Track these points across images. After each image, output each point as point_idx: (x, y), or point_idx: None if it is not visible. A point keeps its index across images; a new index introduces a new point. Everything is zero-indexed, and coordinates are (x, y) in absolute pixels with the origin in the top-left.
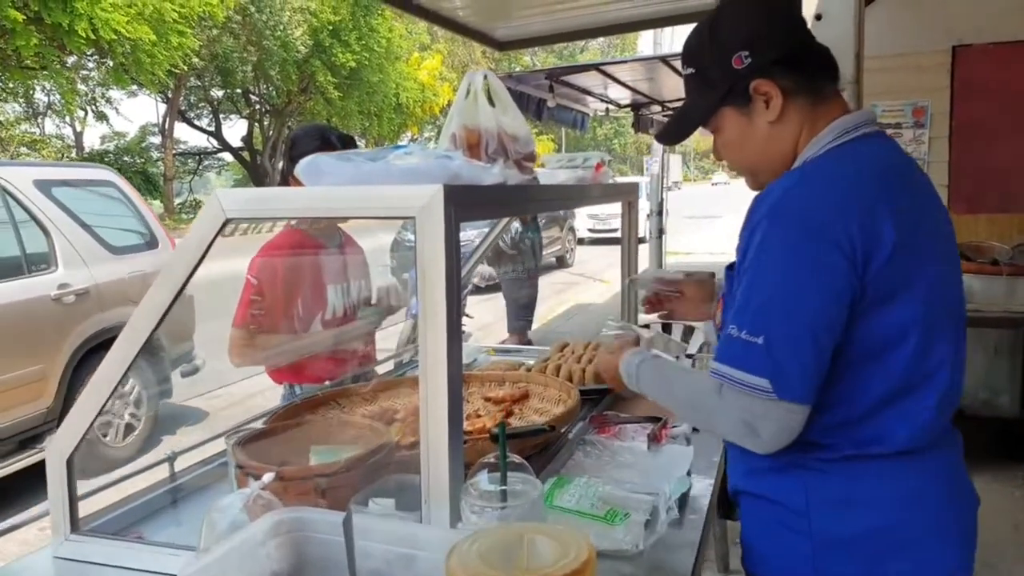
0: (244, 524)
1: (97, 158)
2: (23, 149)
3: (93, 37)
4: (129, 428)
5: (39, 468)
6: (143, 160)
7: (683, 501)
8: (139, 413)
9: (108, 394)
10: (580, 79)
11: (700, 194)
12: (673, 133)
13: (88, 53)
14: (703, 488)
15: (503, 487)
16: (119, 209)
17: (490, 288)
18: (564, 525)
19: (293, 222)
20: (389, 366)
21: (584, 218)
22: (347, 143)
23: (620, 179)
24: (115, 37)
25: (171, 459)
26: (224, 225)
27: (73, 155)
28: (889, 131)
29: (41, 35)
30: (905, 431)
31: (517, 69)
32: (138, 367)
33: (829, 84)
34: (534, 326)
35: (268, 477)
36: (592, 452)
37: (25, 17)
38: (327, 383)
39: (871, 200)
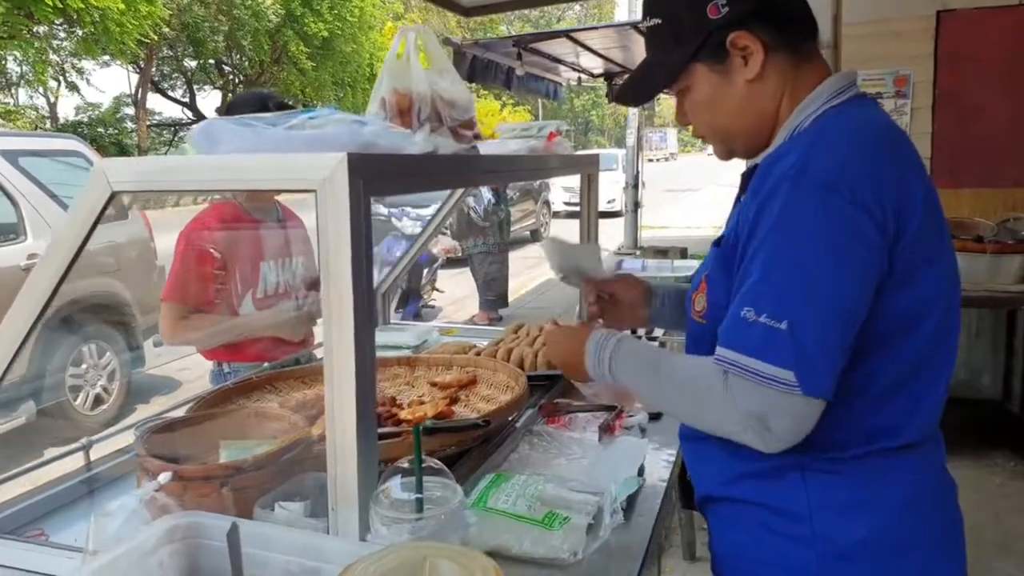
0: (136, 529)
1: (71, 129)
2: None
3: (60, 5)
4: (98, 400)
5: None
6: (117, 131)
7: (632, 501)
8: (111, 386)
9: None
10: (550, 47)
11: (695, 164)
12: (634, 93)
13: (57, 22)
14: (656, 485)
15: (418, 495)
16: (87, 179)
17: (462, 261)
18: (490, 531)
19: (228, 194)
20: None
21: (560, 191)
22: (285, 109)
23: (600, 151)
24: (83, 6)
25: (86, 447)
26: (111, 198)
27: (48, 126)
28: None
29: (8, 3)
30: (916, 420)
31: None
32: (112, 337)
33: (810, 41)
34: (509, 299)
35: (164, 477)
36: (539, 444)
37: None
38: (265, 364)
39: (901, 165)
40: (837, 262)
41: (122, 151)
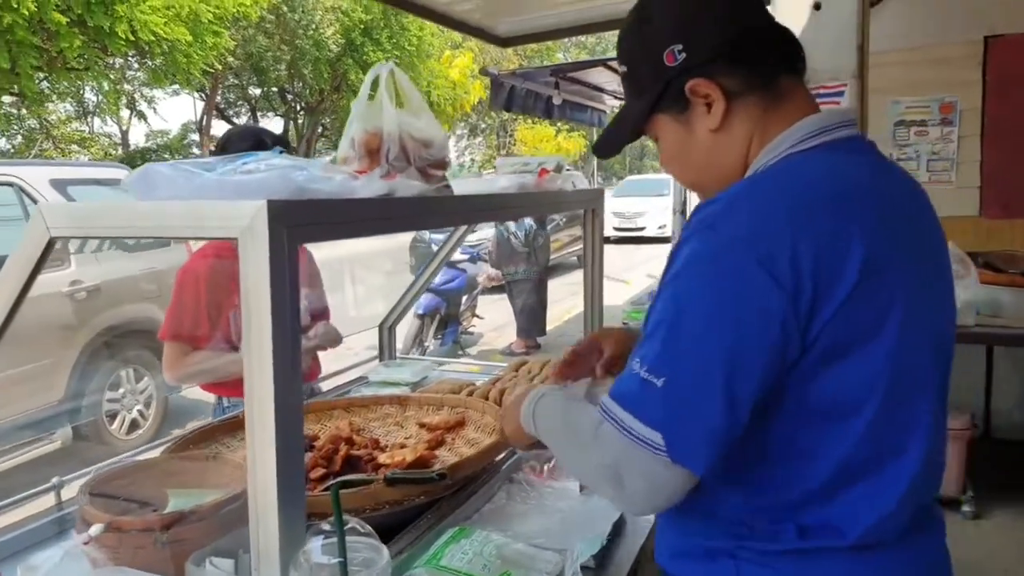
0: None
1: (139, 155)
2: (74, 147)
3: (132, 39)
4: (135, 424)
5: None
6: (182, 156)
7: (604, 559)
8: (147, 411)
9: None
10: (590, 76)
11: None
12: (606, 145)
13: (129, 54)
14: (631, 546)
15: (340, 559)
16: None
17: (503, 288)
18: None
19: None
20: (350, 376)
21: (610, 216)
22: (281, 144)
23: (653, 176)
24: (153, 38)
25: (57, 487)
26: (50, 245)
27: (119, 152)
28: (914, 129)
29: (84, 37)
30: (866, 520)
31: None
32: (150, 362)
33: (788, 77)
34: (548, 327)
35: (96, 529)
36: (517, 494)
37: (68, 20)
38: None
39: (831, 222)
40: (727, 323)
41: None
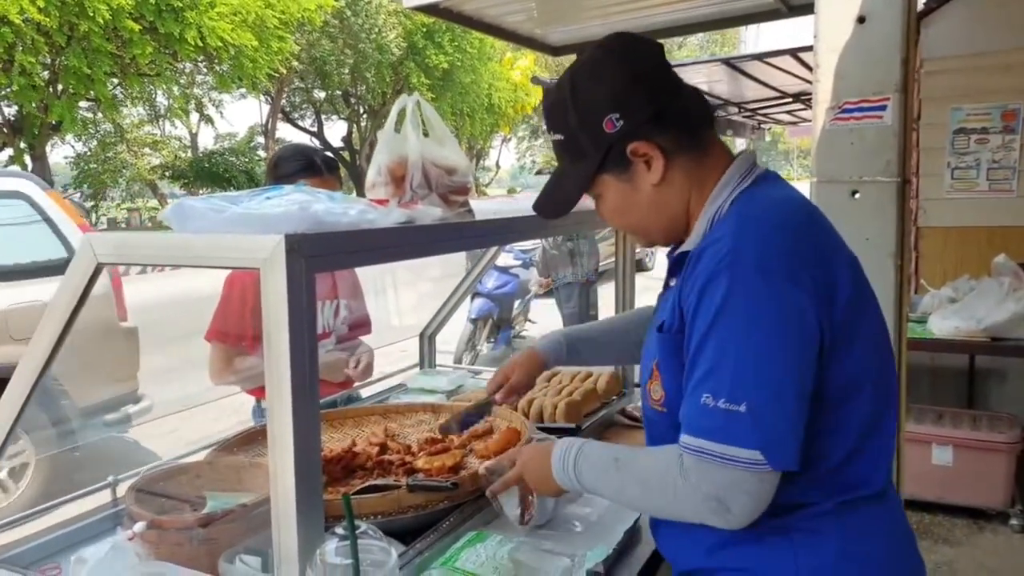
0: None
1: (207, 157)
2: (146, 149)
3: (201, 44)
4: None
5: None
6: (248, 160)
7: (611, 567)
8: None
9: (7, 431)
10: None
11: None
12: (550, 207)
13: (198, 60)
14: (641, 553)
15: (352, 560)
16: (30, 226)
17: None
18: None
19: None
20: (390, 383)
21: None
22: (330, 165)
23: None
24: (221, 44)
25: (113, 484)
26: (97, 270)
27: (188, 155)
28: (975, 137)
29: (155, 44)
30: (882, 469)
31: None
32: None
33: (709, 131)
34: None
35: (139, 526)
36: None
37: (141, 27)
38: None
39: (818, 240)
40: (784, 342)
41: (251, 179)
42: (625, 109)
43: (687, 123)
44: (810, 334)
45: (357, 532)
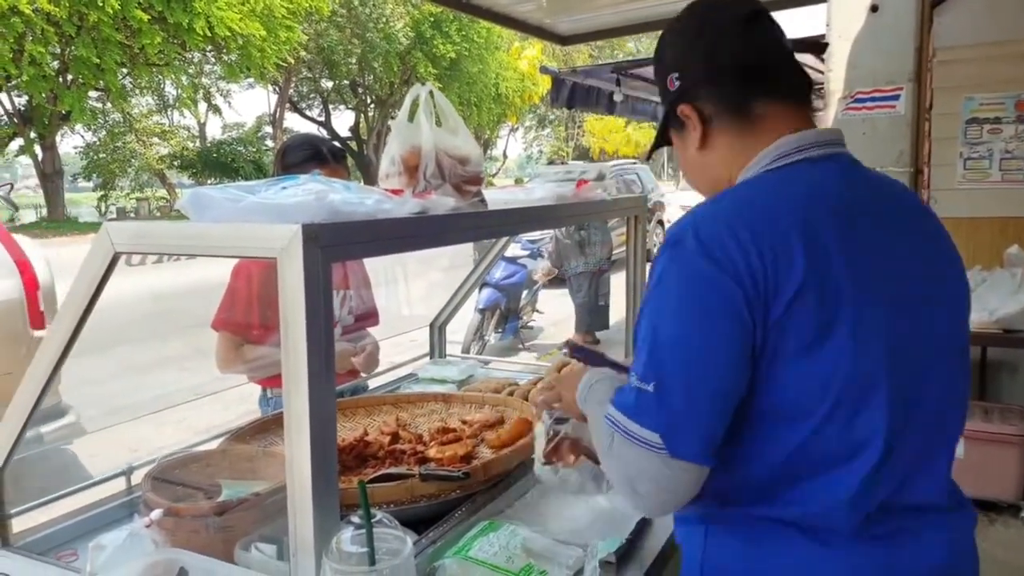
0: (119, 563)
1: (215, 147)
2: (155, 139)
3: (209, 34)
4: None
5: None
6: (256, 149)
7: (623, 557)
8: None
9: (27, 416)
10: (651, 72)
11: None
12: (651, 147)
13: (206, 50)
14: (654, 543)
15: (368, 548)
16: None
17: (563, 282)
18: None
19: None
20: (400, 372)
21: (677, 210)
22: (337, 155)
23: None
24: (229, 34)
25: (127, 472)
26: (115, 259)
27: (196, 144)
28: (988, 126)
29: (164, 34)
30: (820, 506)
31: (621, 57)
32: None
33: (765, 102)
34: (611, 321)
35: (156, 514)
36: (549, 491)
37: (150, 17)
38: None
39: (785, 227)
40: (707, 329)
41: (259, 169)
42: (683, 70)
43: (737, 90)
44: (741, 329)
45: (372, 520)
